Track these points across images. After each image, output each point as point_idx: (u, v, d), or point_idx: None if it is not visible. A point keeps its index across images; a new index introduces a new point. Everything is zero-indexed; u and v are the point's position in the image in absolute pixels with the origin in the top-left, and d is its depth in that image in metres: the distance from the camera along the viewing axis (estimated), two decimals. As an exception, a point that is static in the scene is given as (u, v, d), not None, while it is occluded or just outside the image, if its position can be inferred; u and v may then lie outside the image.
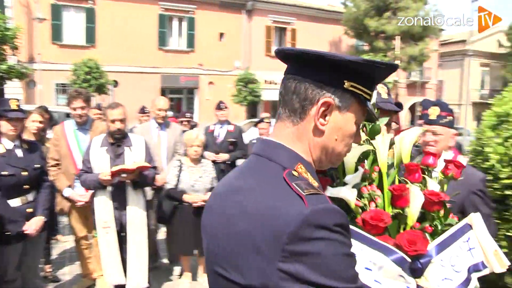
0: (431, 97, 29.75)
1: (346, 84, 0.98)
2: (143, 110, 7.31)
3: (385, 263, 1.14)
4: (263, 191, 0.92)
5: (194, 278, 4.60)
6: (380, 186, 1.35)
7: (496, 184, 2.66)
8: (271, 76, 23.54)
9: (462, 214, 2.49)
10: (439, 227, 1.30)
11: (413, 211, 1.27)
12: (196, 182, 4.34)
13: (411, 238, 1.19)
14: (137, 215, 3.73)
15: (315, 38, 25.24)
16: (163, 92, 21.18)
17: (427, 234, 1.27)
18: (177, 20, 22.42)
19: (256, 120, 11.08)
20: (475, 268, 1.26)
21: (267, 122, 5.82)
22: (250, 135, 8.13)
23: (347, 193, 1.26)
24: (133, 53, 20.67)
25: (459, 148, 3.96)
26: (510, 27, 29.79)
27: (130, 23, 20.60)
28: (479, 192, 2.45)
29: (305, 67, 1.00)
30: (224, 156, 5.74)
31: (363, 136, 1.39)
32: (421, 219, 1.31)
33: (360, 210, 1.29)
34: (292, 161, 0.98)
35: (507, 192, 2.63)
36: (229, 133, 5.93)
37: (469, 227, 1.27)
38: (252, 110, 22.46)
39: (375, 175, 1.38)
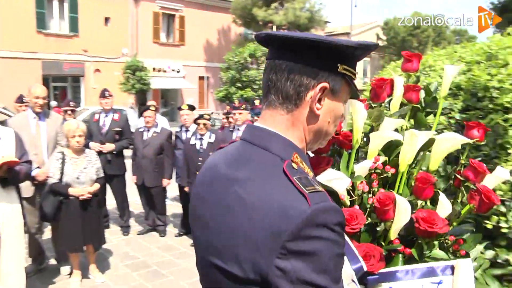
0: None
1: (340, 68, 0.99)
2: (21, 99, 6.68)
3: (346, 266, 1.06)
4: (263, 184, 0.90)
5: (85, 275, 4.42)
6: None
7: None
8: (159, 64, 22.99)
9: None
10: (418, 256, 1.17)
11: (394, 228, 1.17)
12: (81, 174, 4.15)
13: (368, 253, 1.12)
14: (9, 214, 3.44)
15: (203, 26, 25.20)
16: (46, 80, 19.49)
17: (400, 256, 1.18)
18: (58, 1, 20.62)
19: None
20: None
21: (153, 110, 5.73)
22: (138, 123, 7.90)
23: (338, 184, 1.20)
24: (6, 36, 18.59)
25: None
26: (385, 23, 33.09)
27: (2, 1, 18.44)
28: None
29: (297, 52, 0.97)
30: (109, 146, 5.58)
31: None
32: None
33: (348, 204, 1.23)
34: (288, 151, 0.97)
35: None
36: (114, 122, 5.75)
37: (450, 270, 1.11)
38: (142, 99, 21.75)
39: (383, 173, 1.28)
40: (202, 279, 1.05)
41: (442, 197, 1.20)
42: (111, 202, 6.17)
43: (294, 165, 0.93)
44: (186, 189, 5.53)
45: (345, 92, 1.04)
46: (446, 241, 1.22)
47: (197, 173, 5.15)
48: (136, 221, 6.53)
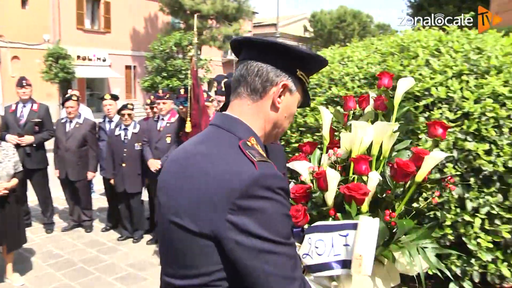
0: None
1: (298, 73, 1.22)
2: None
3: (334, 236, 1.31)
4: (221, 156, 1.09)
5: (0, 279, 4.14)
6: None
7: (288, 148, 3.10)
8: (84, 52, 21.87)
9: None
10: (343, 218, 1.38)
11: (328, 194, 1.43)
12: (-4, 169, 3.87)
13: (296, 211, 1.38)
14: None
15: (130, 13, 24.37)
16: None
17: (330, 218, 1.41)
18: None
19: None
20: (340, 263, 1.29)
21: (75, 100, 5.46)
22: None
23: (299, 166, 1.56)
24: None
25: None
26: (312, 15, 33.96)
27: None
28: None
29: (268, 54, 1.19)
30: (28, 139, 5.24)
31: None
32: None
33: (308, 181, 1.54)
34: (246, 134, 1.15)
35: (297, 154, 3.08)
36: (33, 112, 5.41)
37: (354, 226, 1.27)
38: (66, 88, 20.58)
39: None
40: (161, 243, 1.21)
41: (371, 173, 1.45)
42: (33, 199, 5.83)
43: (248, 143, 1.12)
44: (112, 181, 5.35)
45: (300, 94, 1.26)
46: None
47: (123, 165, 5.06)
48: (60, 217, 6.24)
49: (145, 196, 5.67)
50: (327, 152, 1.63)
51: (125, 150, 5.12)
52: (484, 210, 2.62)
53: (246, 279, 1.03)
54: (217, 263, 1.04)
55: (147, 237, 5.50)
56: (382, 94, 1.74)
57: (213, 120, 1.24)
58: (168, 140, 4.89)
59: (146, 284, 4.12)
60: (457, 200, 2.64)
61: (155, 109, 5.29)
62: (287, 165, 1.63)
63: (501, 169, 2.58)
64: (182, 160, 1.17)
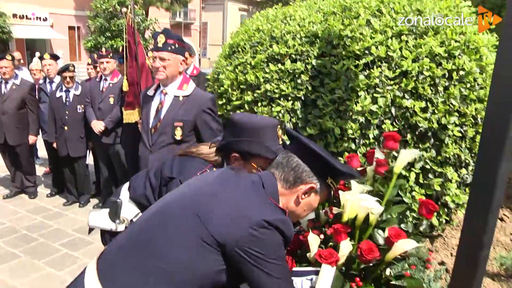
0: (195, 38, 31.20)
1: (328, 180, 1.46)
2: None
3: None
4: (250, 196, 1.38)
5: None
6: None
7: (229, 106, 3.08)
8: (21, 10, 20.40)
9: (195, 130, 2.82)
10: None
11: (310, 254, 1.70)
12: None
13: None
14: None
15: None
16: None
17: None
18: None
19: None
20: None
21: (9, 60, 5.08)
22: None
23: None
24: None
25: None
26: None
27: None
28: (209, 110, 2.78)
29: (308, 157, 1.43)
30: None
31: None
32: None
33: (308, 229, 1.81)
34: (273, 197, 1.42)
35: (238, 112, 3.08)
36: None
37: (317, 273, 1.60)
38: (1, 50, 19.27)
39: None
40: (155, 221, 1.38)
41: (343, 243, 1.67)
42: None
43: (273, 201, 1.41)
44: (54, 145, 5.14)
45: (324, 195, 1.50)
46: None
47: (65, 128, 4.85)
48: (1, 184, 5.99)
49: (90, 160, 5.51)
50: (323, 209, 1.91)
51: (67, 112, 4.91)
52: (418, 165, 2.75)
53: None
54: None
55: (94, 201, 5.40)
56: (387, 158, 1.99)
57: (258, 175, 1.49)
58: (112, 101, 4.72)
59: (93, 248, 4.07)
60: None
61: (98, 69, 5.04)
62: None
63: (435, 125, 2.70)
64: (221, 180, 1.44)
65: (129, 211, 2.06)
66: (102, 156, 5.06)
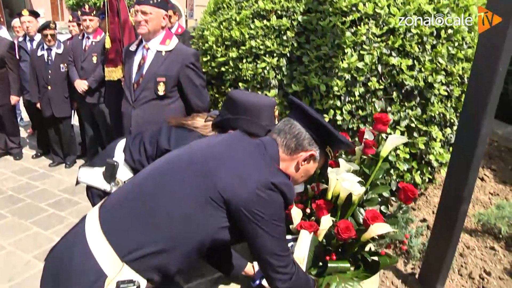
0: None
1: (327, 149, 1.51)
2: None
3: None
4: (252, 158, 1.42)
5: None
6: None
7: (214, 63, 3.02)
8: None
9: (178, 86, 2.78)
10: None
11: (293, 226, 1.85)
12: None
13: None
14: None
15: None
16: None
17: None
18: None
19: None
20: None
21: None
22: None
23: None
24: None
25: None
26: None
27: None
28: (192, 65, 2.73)
29: (311, 124, 1.46)
30: None
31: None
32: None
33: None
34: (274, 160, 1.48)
35: (222, 69, 3.02)
36: None
37: (295, 240, 1.74)
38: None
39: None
40: (164, 172, 1.42)
41: (323, 218, 1.80)
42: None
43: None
44: (38, 105, 5.04)
45: (321, 163, 1.57)
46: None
47: (48, 87, 4.73)
48: (-16, 145, 5.88)
49: (75, 121, 5.43)
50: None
51: (49, 72, 4.78)
52: (404, 123, 2.76)
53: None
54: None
55: (80, 162, 5.36)
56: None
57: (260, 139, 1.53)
58: (95, 59, 4.59)
59: (79, 208, 4.08)
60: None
61: (81, 27, 4.87)
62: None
63: (422, 84, 2.69)
64: (228, 142, 1.48)
65: (124, 173, 2.07)
66: (86, 116, 4.97)
